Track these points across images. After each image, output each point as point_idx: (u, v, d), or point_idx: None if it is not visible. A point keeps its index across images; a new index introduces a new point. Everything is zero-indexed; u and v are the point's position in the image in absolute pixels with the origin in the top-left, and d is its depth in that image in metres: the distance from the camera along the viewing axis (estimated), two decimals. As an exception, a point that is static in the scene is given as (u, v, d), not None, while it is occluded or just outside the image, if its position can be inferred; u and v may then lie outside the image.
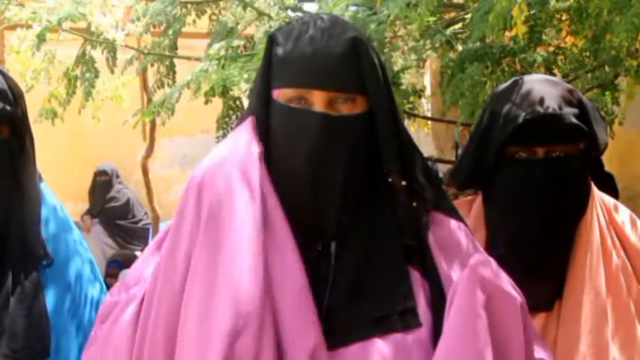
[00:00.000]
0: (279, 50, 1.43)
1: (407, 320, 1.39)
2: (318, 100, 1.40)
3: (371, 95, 1.43)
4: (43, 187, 1.88)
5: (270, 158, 1.44)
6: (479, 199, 1.88)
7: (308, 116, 1.40)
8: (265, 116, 1.45)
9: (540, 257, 1.77)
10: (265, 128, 1.45)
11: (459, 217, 1.53)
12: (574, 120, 1.74)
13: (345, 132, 1.41)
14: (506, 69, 2.59)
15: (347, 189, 1.42)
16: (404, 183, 1.45)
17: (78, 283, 1.85)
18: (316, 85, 1.40)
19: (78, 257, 1.88)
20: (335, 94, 1.41)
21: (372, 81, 1.43)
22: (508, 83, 1.85)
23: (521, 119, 1.73)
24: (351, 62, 1.41)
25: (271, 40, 1.46)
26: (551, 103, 1.74)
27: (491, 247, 1.76)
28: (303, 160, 1.40)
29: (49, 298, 1.78)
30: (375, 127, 1.44)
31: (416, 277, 1.43)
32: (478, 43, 2.55)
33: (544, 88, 1.78)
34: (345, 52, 1.41)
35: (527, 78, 1.83)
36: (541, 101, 1.74)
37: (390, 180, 1.46)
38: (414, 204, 1.47)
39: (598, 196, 1.84)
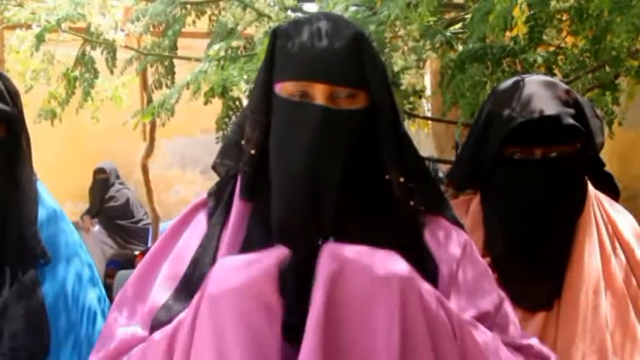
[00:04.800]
0: (282, 45, 1.44)
1: None
2: (319, 94, 1.41)
3: (373, 90, 1.44)
4: (41, 187, 1.88)
5: (268, 155, 1.45)
6: (476, 199, 1.88)
7: (308, 109, 1.41)
8: (266, 111, 1.45)
9: (539, 257, 1.78)
10: (265, 123, 1.45)
11: (453, 220, 1.53)
12: (571, 121, 1.74)
13: (344, 126, 1.41)
14: (507, 69, 2.59)
15: (344, 183, 1.42)
16: (402, 180, 1.46)
17: (78, 284, 1.85)
18: (318, 77, 1.41)
19: (78, 258, 1.88)
20: (336, 89, 1.41)
21: (374, 76, 1.43)
22: (506, 83, 1.85)
23: (519, 121, 1.73)
24: (353, 57, 1.42)
25: (274, 35, 1.47)
26: (549, 104, 1.74)
27: (489, 247, 1.76)
28: (302, 152, 1.40)
29: (49, 295, 1.78)
30: (374, 124, 1.45)
31: None
32: (478, 44, 2.55)
33: (541, 90, 1.78)
34: (347, 47, 1.41)
35: (525, 79, 1.83)
36: (539, 103, 1.75)
37: (387, 177, 1.46)
38: (411, 202, 1.47)
39: (594, 194, 1.85)
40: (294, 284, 1.40)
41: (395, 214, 1.47)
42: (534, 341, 1.49)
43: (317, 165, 1.40)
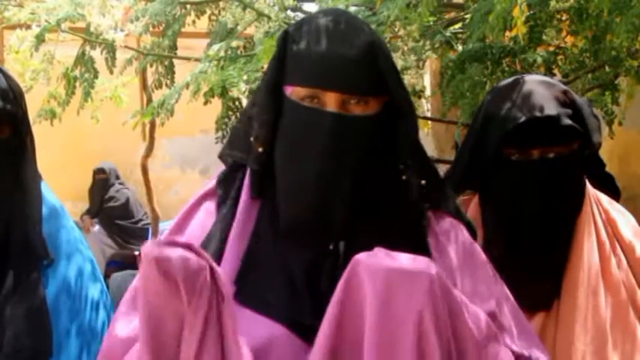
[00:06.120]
0: (294, 47, 1.43)
1: None
2: (331, 100, 1.40)
3: (394, 95, 1.43)
4: (44, 187, 1.88)
5: (275, 156, 1.44)
6: (475, 199, 1.88)
7: (320, 116, 1.40)
8: (274, 110, 1.44)
9: (538, 257, 1.78)
10: (272, 122, 1.45)
11: (461, 218, 1.53)
12: (569, 122, 1.74)
13: (356, 132, 1.41)
14: (506, 69, 2.59)
15: (356, 189, 1.41)
16: (423, 182, 1.45)
17: (79, 279, 1.85)
18: (330, 86, 1.40)
19: (79, 254, 1.89)
20: (348, 96, 1.41)
21: (393, 81, 1.43)
22: (504, 83, 1.85)
23: (516, 122, 1.73)
24: (366, 65, 1.41)
25: (285, 37, 1.46)
26: (547, 105, 1.74)
27: (488, 248, 1.76)
28: (313, 157, 1.40)
29: (50, 294, 1.78)
30: (390, 128, 1.44)
31: None
32: (478, 44, 2.55)
33: (539, 90, 1.78)
34: (360, 55, 1.40)
35: (523, 78, 1.83)
36: (536, 104, 1.74)
37: (404, 177, 1.46)
38: (426, 205, 1.48)
39: (594, 194, 1.85)
40: (306, 285, 1.40)
41: (405, 216, 1.46)
42: (536, 354, 1.47)
43: (328, 170, 1.40)
